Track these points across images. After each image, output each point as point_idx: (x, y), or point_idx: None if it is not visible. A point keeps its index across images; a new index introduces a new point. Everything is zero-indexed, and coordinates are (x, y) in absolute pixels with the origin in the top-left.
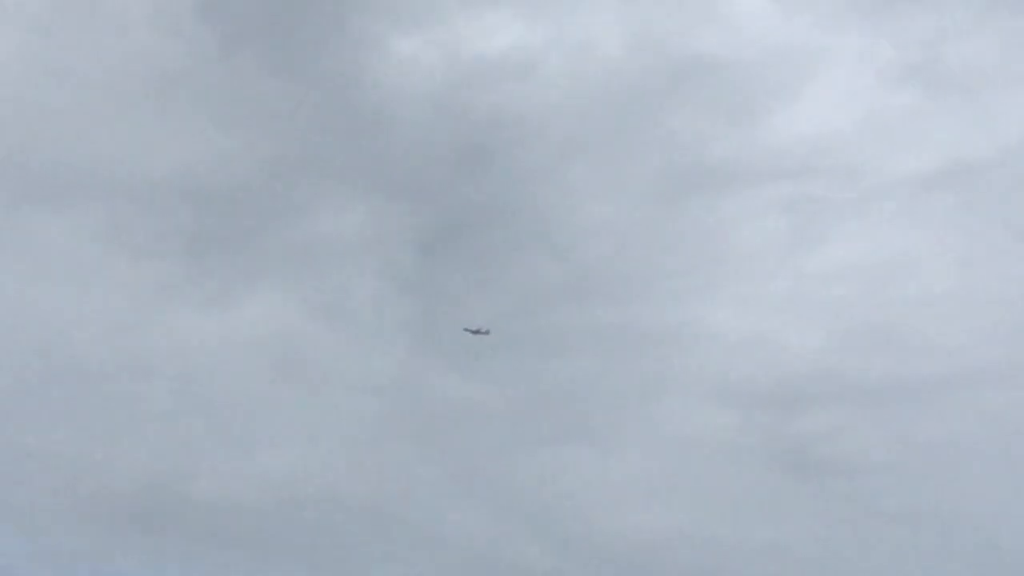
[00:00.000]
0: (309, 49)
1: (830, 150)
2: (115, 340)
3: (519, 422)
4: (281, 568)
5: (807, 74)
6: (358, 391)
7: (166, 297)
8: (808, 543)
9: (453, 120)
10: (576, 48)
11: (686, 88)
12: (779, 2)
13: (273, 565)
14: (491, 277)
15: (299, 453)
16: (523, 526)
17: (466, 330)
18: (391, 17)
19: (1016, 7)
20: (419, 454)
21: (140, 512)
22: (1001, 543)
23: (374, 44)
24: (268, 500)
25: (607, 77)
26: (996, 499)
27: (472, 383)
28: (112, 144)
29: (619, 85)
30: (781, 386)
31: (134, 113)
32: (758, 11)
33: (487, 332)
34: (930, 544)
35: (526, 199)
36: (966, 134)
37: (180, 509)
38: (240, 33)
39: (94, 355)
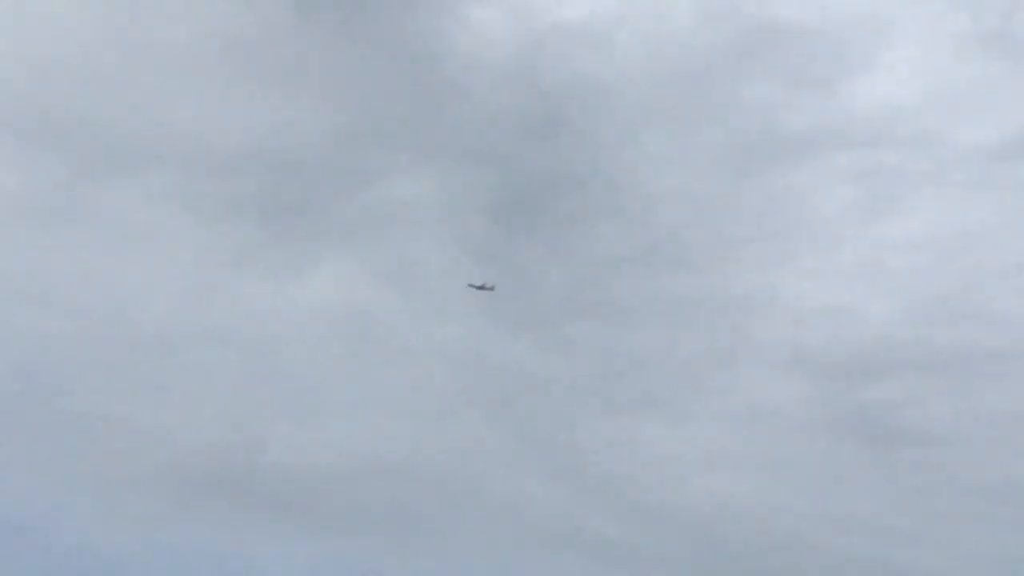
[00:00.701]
0: (384, 17)
1: (904, 119)
2: (188, 308)
3: (590, 391)
4: (351, 535)
5: (882, 43)
6: (428, 360)
7: (239, 265)
8: (879, 512)
9: (527, 88)
10: (650, 16)
11: (759, 57)
12: None
13: (343, 532)
14: (562, 246)
15: (370, 421)
16: (593, 495)
17: (471, 286)
18: None
19: None
20: (490, 423)
21: (213, 478)
22: None
23: (449, 12)
24: (339, 468)
25: (680, 45)
26: None
27: (543, 352)
28: (186, 112)
29: (692, 53)
30: (853, 356)
31: (208, 82)
32: None
33: (492, 288)
34: (1000, 514)
35: (599, 167)
36: None
37: (252, 476)
38: (313, 2)
39: (167, 323)
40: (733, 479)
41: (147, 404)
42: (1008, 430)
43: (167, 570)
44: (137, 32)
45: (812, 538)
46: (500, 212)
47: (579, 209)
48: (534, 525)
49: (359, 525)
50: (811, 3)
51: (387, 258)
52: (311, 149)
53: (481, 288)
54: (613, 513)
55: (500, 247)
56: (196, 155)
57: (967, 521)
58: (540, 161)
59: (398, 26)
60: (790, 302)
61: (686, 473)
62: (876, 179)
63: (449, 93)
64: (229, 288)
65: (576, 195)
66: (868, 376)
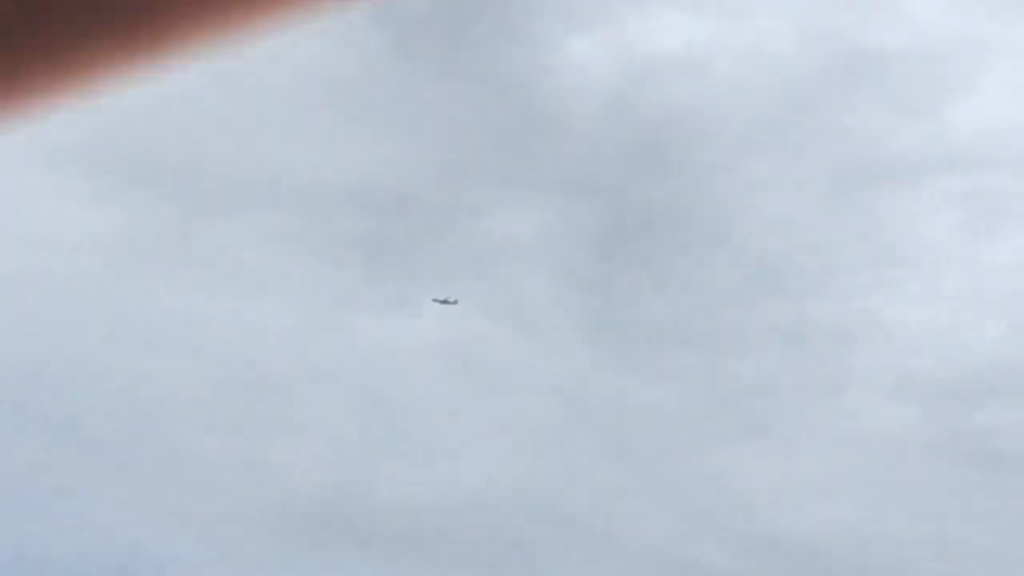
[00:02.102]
0: (481, 51)
1: (1007, 142)
2: (293, 346)
3: (699, 421)
4: (460, 571)
5: (983, 66)
6: (537, 394)
7: (344, 303)
8: (992, 537)
9: (627, 119)
10: (749, 42)
11: (860, 81)
12: None
13: (452, 568)
14: (669, 275)
15: (478, 456)
16: (703, 525)
17: (434, 300)
18: (563, 17)
19: None
20: (599, 455)
21: (322, 517)
22: None
23: (547, 45)
24: (449, 504)
25: (780, 72)
26: None
27: (652, 383)
28: (286, 152)
29: (792, 80)
30: (962, 380)
31: (308, 120)
32: (932, 2)
33: (455, 302)
34: None
35: (702, 196)
36: None
37: (360, 514)
38: (412, 37)
39: (273, 362)
40: (844, 506)
41: (256, 443)
42: None
43: None
44: (239, 73)
45: (926, 563)
46: (604, 244)
47: (683, 239)
48: (644, 557)
49: (468, 561)
50: (911, 26)
51: (493, 293)
52: (415, 185)
53: (444, 303)
54: (724, 543)
55: (605, 279)
56: (298, 194)
57: None
58: (643, 192)
59: (497, 60)
60: (896, 327)
61: (796, 501)
62: (981, 202)
63: (550, 126)
64: (337, 326)
65: (680, 225)
66: (978, 400)
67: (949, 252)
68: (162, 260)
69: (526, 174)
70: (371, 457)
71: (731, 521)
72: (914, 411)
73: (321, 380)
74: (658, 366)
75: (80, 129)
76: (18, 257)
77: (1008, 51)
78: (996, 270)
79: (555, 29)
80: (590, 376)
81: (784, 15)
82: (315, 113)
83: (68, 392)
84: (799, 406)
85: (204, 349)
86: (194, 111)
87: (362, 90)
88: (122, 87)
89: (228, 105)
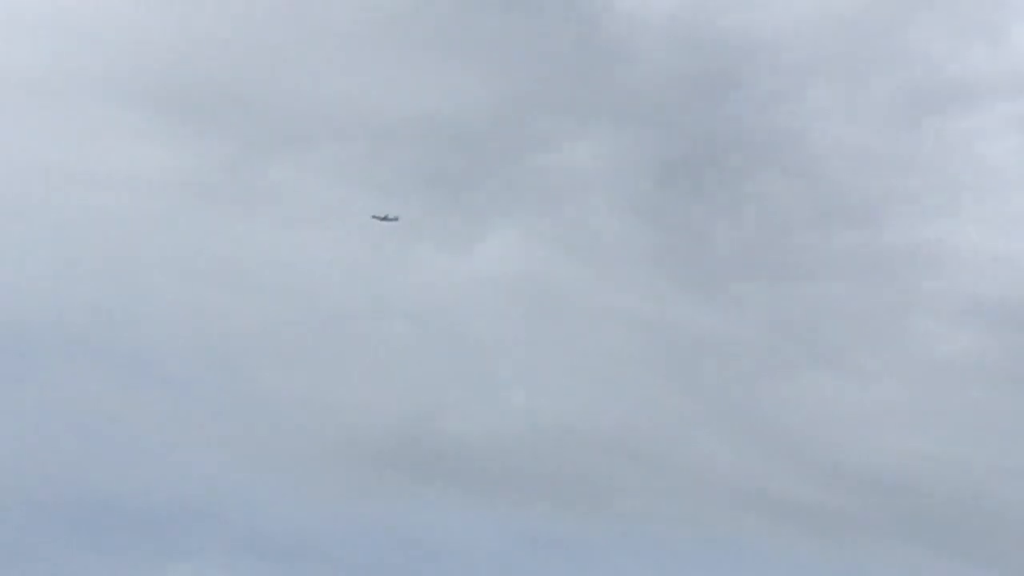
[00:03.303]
0: None
1: None
2: (358, 280)
3: (765, 349)
4: (530, 501)
5: None
6: (601, 323)
7: (409, 237)
8: None
9: (690, 47)
10: None
11: (925, 5)
12: None
13: (522, 499)
14: (732, 204)
15: (545, 388)
16: (776, 455)
17: (374, 217)
18: None
19: None
20: (665, 385)
21: (392, 451)
22: None
23: None
24: (516, 435)
25: None
26: None
27: (720, 311)
28: (349, 85)
29: (857, 4)
30: None
31: (371, 53)
32: None
33: (396, 219)
34: None
35: (765, 124)
36: None
37: (430, 446)
38: None
39: (338, 296)
40: (914, 433)
41: (324, 380)
42: None
43: (350, 545)
44: (296, 6)
45: (996, 490)
46: (668, 173)
47: (747, 167)
48: (716, 487)
49: (538, 492)
50: None
51: (556, 223)
52: (476, 117)
53: (385, 219)
54: (798, 472)
55: (669, 208)
56: (361, 127)
57: None
58: (707, 120)
59: None
60: (962, 252)
61: (865, 429)
62: None
63: (613, 55)
64: (403, 260)
65: (743, 153)
66: None
67: (1014, 176)
68: (228, 197)
69: (589, 104)
70: (439, 390)
71: (804, 450)
72: (982, 337)
73: (385, 314)
74: (726, 295)
75: (144, 66)
76: (87, 196)
77: None
78: None
79: None
80: (657, 306)
81: None
82: (376, 45)
83: (140, 331)
84: (866, 333)
85: (272, 286)
86: (250, 47)
87: (423, 22)
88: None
89: (286, 40)
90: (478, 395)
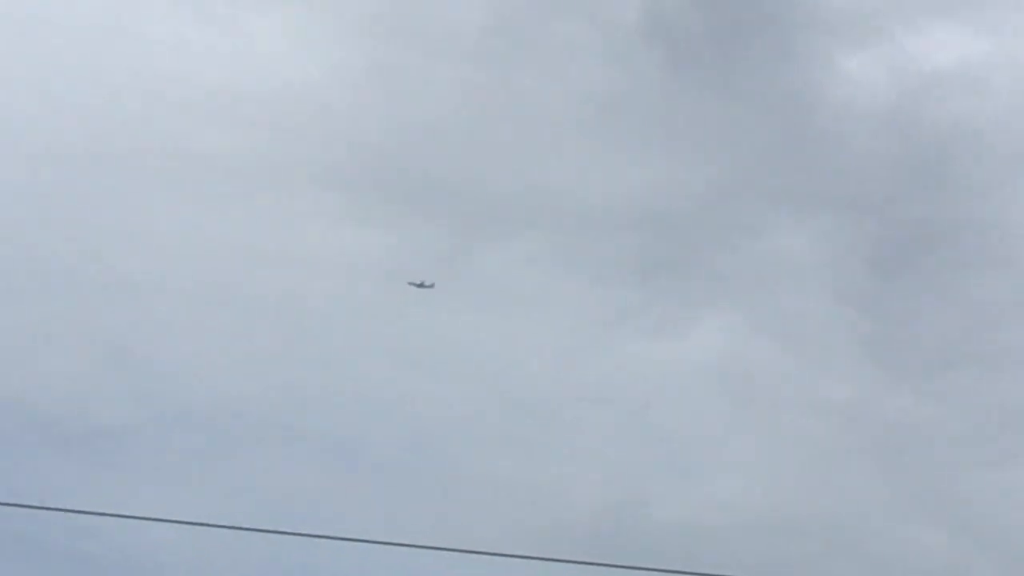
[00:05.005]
0: (755, 69)
1: None
2: (568, 368)
3: (975, 442)
4: None
5: None
6: (812, 413)
7: (618, 324)
8: None
9: (903, 135)
10: None
11: None
12: None
13: None
14: (945, 295)
15: (753, 476)
16: (985, 549)
17: (410, 284)
18: (836, 34)
19: None
20: (872, 475)
21: (597, 537)
22: None
23: (822, 62)
24: (724, 524)
25: None
26: None
27: (927, 402)
28: (558, 172)
29: None
30: None
31: (582, 140)
32: None
33: (431, 285)
34: None
35: (978, 214)
36: None
37: (637, 534)
38: (684, 56)
39: (547, 383)
40: None
41: (529, 465)
42: None
43: None
44: (512, 93)
45: None
46: (880, 262)
47: (959, 256)
48: None
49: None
50: None
51: (767, 311)
52: (687, 204)
53: (420, 286)
54: (1004, 565)
55: (880, 297)
56: (573, 215)
57: None
58: (919, 209)
59: (770, 78)
60: None
61: None
62: None
63: (825, 143)
64: (609, 347)
65: (956, 242)
66: None
67: None
68: (436, 284)
69: (800, 192)
70: (645, 477)
71: (1007, 544)
72: None
73: (594, 401)
74: (934, 385)
75: (354, 152)
76: (294, 282)
77: None
78: None
79: (828, 46)
80: (864, 395)
81: None
82: (587, 132)
83: (346, 416)
84: None
85: (477, 372)
86: (463, 133)
87: (635, 109)
88: None
89: (498, 126)
90: (683, 483)
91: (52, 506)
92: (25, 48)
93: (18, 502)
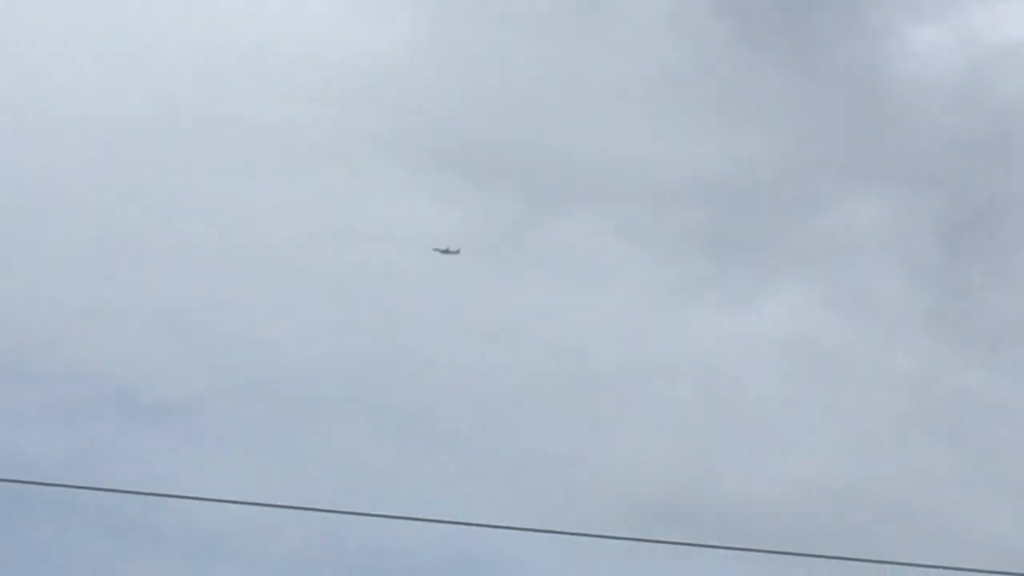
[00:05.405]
0: (824, 42)
1: None
2: (637, 342)
3: None
4: (813, 568)
5: None
6: (878, 386)
7: (688, 297)
8: None
9: (972, 109)
10: None
11: None
12: None
13: (805, 564)
14: (1013, 268)
15: (823, 449)
16: None
17: (435, 249)
18: (906, 8)
19: None
20: (942, 448)
21: (667, 511)
22: None
23: (890, 35)
24: (792, 496)
25: None
26: None
27: (996, 377)
28: (628, 146)
29: None
30: None
31: (651, 114)
32: None
33: (457, 251)
34: None
35: None
36: None
37: (707, 508)
38: (754, 29)
39: (616, 357)
40: None
41: (598, 439)
42: None
43: None
44: (582, 67)
45: None
46: (948, 236)
47: None
48: (994, 557)
49: (815, 552)
50: None
51: (835, 285)
52: (757, 178)
53: (446, 252)
54: None
55: (949, 271)
56: (640, 189)
57: None
58: (988, 183)
59: (840, 53)
60: None
61: None
62: None
63: (893, 117)
64: (679, 320)
65: (1022, 216)
66: None
67: None
68: (503, 256)
69: (869, 166)
70: (715, 451)
71: None
72: None
73: (664, 375)
74: (1001, 358)
75: (426, 125)
76: (368, 255)
77: None
78: None
79: (898, 19)
80: (932, 369)
81: None
82: (656, 106)
83: (417, 389)
84: None
85: (549, 345)
86: (535, 107)
87: (703, 81)
88: None
89: (570, 100)
90: (753, 456)
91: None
92: (95, 20)
93: (91, 474)
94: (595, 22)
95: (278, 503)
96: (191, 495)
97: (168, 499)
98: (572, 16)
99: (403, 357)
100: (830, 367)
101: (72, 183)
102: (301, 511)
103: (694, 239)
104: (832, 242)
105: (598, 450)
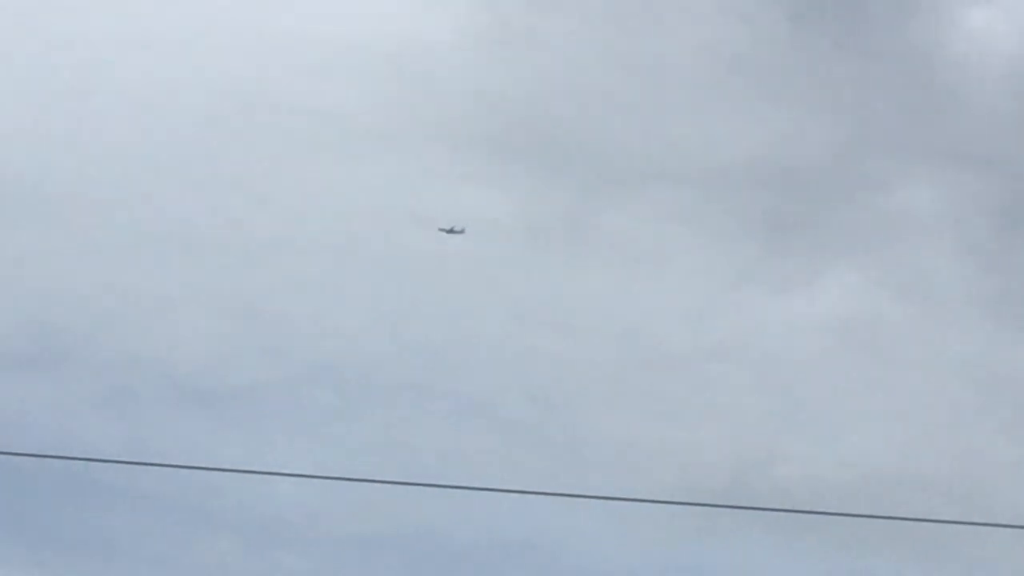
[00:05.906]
0: (879, 25)
1: None
2: (693, 325)
3: None
4: (863, 547)
5: None
6: (937, 371)
7: (743, 280)
8: None
9: None
10: None
11: None
12: None
13: (853, 546)
14: None
15: (878, 433)
16: None
17: (440, 230)
18: None
19: None
20: (999, 432)
21: (724, 494)
22: None
23: (947, 17)
24: (848, 480)
25: None
26: None
27: None
28: (683, 130)
29: None
30: None
31: (706, 97)
32: None
33: (462, 231)
34: None
35: None
36: None
37: (763, 490)
38: (808, 13)
39: (672, 340)
40: None
41: (654, 423)
42: None
43: None
44: (635, 50)
45: None
46: (1004, 218)
47: None
48: None
49: (866, 539)
50: None
51: (891, 268)
52: (812, 161)
53: (451, 231)
54: None
55: (1008, 253)
56: (696, 173)
57: None
58: None
59: (895, 33)
60: None
61: None
62: None
63: (949, 99)
64: (734, 304)
65: None
66: None
67: None
68: (560, 241)
69: (926, 147)
70: (771, 434)
71: None
72: None
73: (720, 358)
74: None
75: (479, 110)
76: (422, 240)
77: None
78: None
79: (953, 1)
80: (992, 353)
81: None
82: (711, 89)
83: (472, 374)
84: None
85: (603, 329)
86: (589, 91)
87: (757, 64)
88: None
89: (625, 83)
90: (809, 440)
91: (190, 464)
92: (153, 12)
93: (156, 460)
94: (650, 5)
95: (333, 476)
96: (246, 469)
97: (226, 476)
98: (627, 4)
99: (464, 344)
100: (887, 350)
101: (132, 171)
102: (359, 483)
103: (750, 222)
104: (889, 224)
105: (655, 435)
